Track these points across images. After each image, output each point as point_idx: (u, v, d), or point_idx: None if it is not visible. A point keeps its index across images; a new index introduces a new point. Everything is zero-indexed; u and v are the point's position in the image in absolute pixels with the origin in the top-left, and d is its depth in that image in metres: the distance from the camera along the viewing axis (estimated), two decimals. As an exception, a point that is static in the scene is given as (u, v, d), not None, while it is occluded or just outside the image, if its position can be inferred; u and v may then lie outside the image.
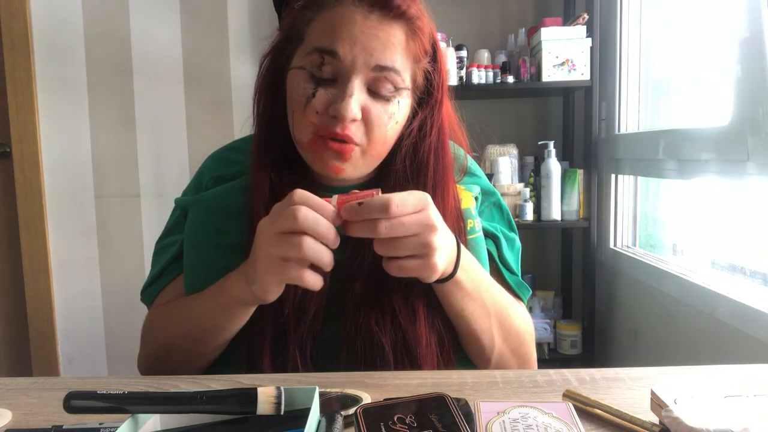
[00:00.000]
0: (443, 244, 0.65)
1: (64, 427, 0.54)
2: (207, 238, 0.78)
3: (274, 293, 0.65)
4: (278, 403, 0.49)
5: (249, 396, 0.49)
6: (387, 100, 0.70)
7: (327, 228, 0.61)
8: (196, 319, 0.73)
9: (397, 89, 0.70)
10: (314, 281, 0.63)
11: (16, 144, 2.22)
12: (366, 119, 0.69)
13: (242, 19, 2.28)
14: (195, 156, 2.29)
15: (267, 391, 0.49)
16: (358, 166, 0.72)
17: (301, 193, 0.62)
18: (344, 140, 0.69)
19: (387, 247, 0.63)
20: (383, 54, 0.68)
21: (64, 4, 2.23)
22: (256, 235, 0.64)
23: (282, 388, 0.50)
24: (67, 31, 2.24)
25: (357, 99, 0.68)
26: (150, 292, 0.84)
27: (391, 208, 0.60)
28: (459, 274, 0.69)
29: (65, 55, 2.24)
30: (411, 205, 0.62)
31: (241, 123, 2.33)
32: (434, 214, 0.64)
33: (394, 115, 0.71)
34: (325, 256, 0.61)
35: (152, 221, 2.31)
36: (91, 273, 2.33)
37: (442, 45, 1.94)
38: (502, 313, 0.76)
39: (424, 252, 0.63)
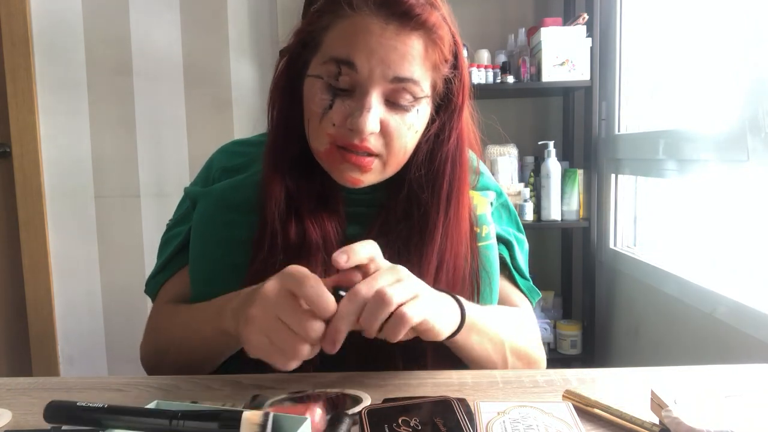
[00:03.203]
0: (407, 276, 0.60)
1: (63, 427, 0.54)
2: (215, 232, 0.77)
3: None
4: (263, 431, 0.45)
5: (232, 420, 0.46)
6: (406, 110, 0.69)
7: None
8: (193, 338, 0.73)
9: (416, 99, 0.69)
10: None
11: (16, 144, 2.22)
12: (385, 131, 0.68)
13: (242, 19, 2.28)
14: (195, 156, 2.29)
15: (252, 417, 0.46)
16: (377, 176, 0.72)
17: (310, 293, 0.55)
18: (363, 152, 0.68)
19: (371, 319, 0.56)
20: (401, 66, 0.66)
21: (64, 4, 2.23)
22: (260, 300, 0.57)
23: (270, 415, 0.46)
24: (67, 31, 2.24)
25: (375, 112, 0.67)
26: (155, 284, 0.83)
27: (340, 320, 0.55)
28: (469, 318, 0.65)
29: (65, 55, 2.24)
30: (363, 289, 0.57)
31: (240, 123, 2.34)
32: (382, 262, 0.60)
33: (414, 125, 0.70)
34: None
35: (152, 221, 2.31)
36: (91, 273, 2.32)
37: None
38: (513, 333, 0.74)
39: (409, 292, 0.58)
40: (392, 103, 0.68)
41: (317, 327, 0.55)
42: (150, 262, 0.87)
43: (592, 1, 2.03)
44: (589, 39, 2.01)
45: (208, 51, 2.27)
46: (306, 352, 0.56)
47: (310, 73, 0.70)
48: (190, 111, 2.29)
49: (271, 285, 0.57)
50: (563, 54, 2.02)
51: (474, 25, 2.26)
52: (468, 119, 0.76)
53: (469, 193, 0.78)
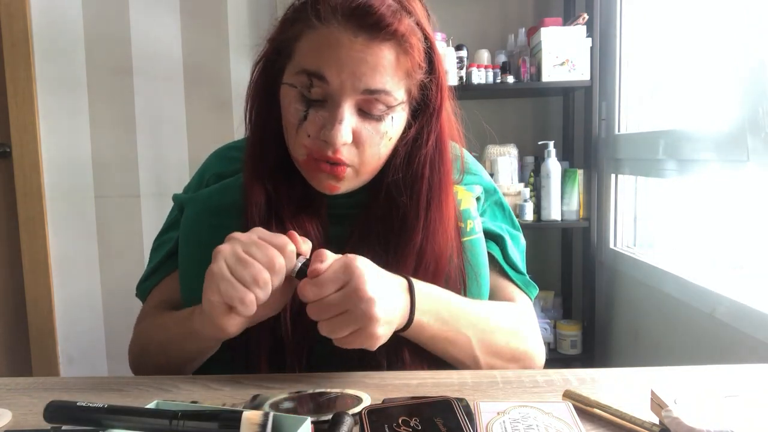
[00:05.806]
0: (381, 309, 0.61)
1: (63, 427, 0.54)
2: (202, 236, 0.78)
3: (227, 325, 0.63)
4: (263, 431, 0.45)
5: (232, 420, 0.46)
6: (379, 119, 0.69)
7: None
8: (168, 340, 0.74)
9: (389, 107, 0.68)
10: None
11: (16, 144, 2.22)
12: (357, 141, 0.68)
13: (242, 19, 2.28)
14: (195, 156, 2.29)
15: (252, 417, 0.46)
16: (352, 183, 0.72)
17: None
18: (336, 163, 0.69)
19: (328, 328, 0.61)
20: (372, 78, 0.66)
21: (64, 4, 2.23)
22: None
23: (270, 415, 0.46)
24: (67, 31, 2.24)
25: (347, 124, 0.67)
26: (145, 288, 0.85)
27: (307, 295, 0.61)
28: (419, 317, 0.66)
29: (65, 55, 2.24)
30: (331, 282, 0.60)
31: (240, 123, 2.33)
32: (364, 282, 0.60)
33: (387, 133, 0.70)
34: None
35: (152, 221, 2.31)
36: (91, 273, 2.32)
37: (442, 46, 1.97)
38: (485, 330, 0.73)
39: (363, 324, 0.60)
40: (365, 112, 0.68)
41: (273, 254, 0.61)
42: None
43: (592, 1, 2.03)
44: (589, 39, 2.01)
45: (208, 51, 2.27)
46: (266, 277, 0.60)
47: (285, 81, 0.71)
48: (190, 111, 2.29)
49: (223, 245, 0.62)
50: (563, 54, 2.02)
51: (474, 25, 2.26)
52: (450, 118, 0.76)
53: (454, 189, 0.77)
